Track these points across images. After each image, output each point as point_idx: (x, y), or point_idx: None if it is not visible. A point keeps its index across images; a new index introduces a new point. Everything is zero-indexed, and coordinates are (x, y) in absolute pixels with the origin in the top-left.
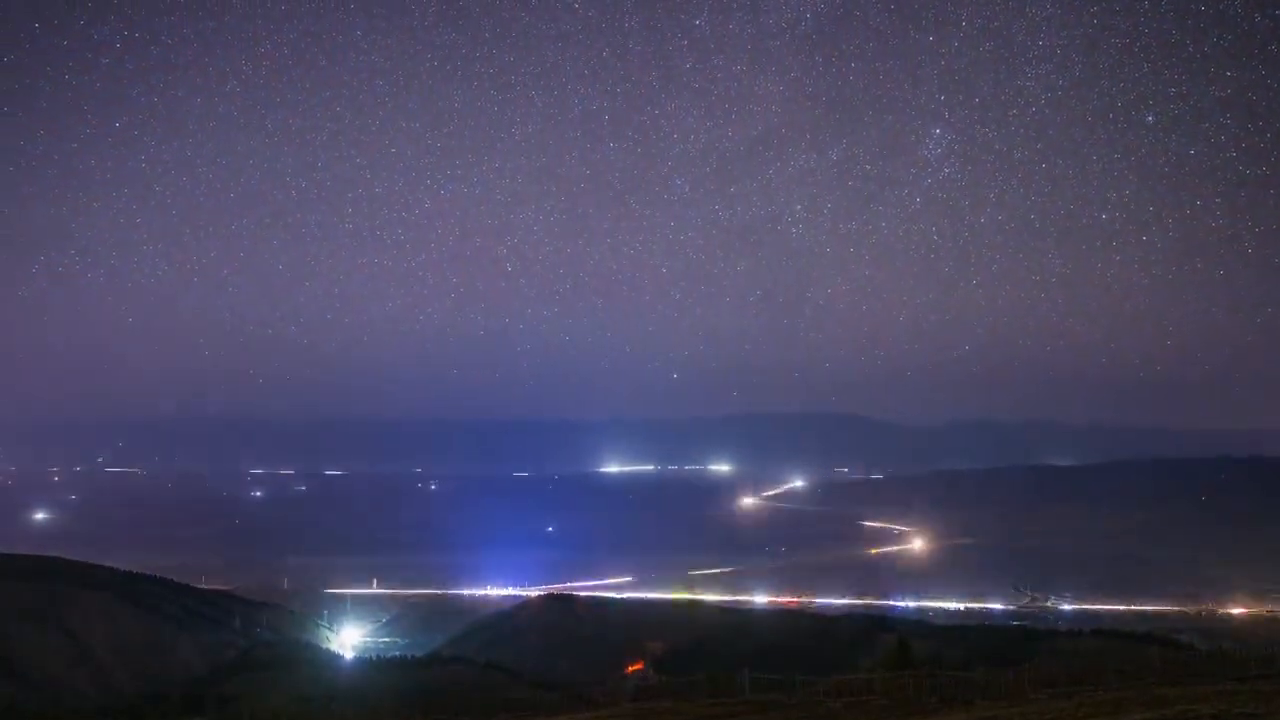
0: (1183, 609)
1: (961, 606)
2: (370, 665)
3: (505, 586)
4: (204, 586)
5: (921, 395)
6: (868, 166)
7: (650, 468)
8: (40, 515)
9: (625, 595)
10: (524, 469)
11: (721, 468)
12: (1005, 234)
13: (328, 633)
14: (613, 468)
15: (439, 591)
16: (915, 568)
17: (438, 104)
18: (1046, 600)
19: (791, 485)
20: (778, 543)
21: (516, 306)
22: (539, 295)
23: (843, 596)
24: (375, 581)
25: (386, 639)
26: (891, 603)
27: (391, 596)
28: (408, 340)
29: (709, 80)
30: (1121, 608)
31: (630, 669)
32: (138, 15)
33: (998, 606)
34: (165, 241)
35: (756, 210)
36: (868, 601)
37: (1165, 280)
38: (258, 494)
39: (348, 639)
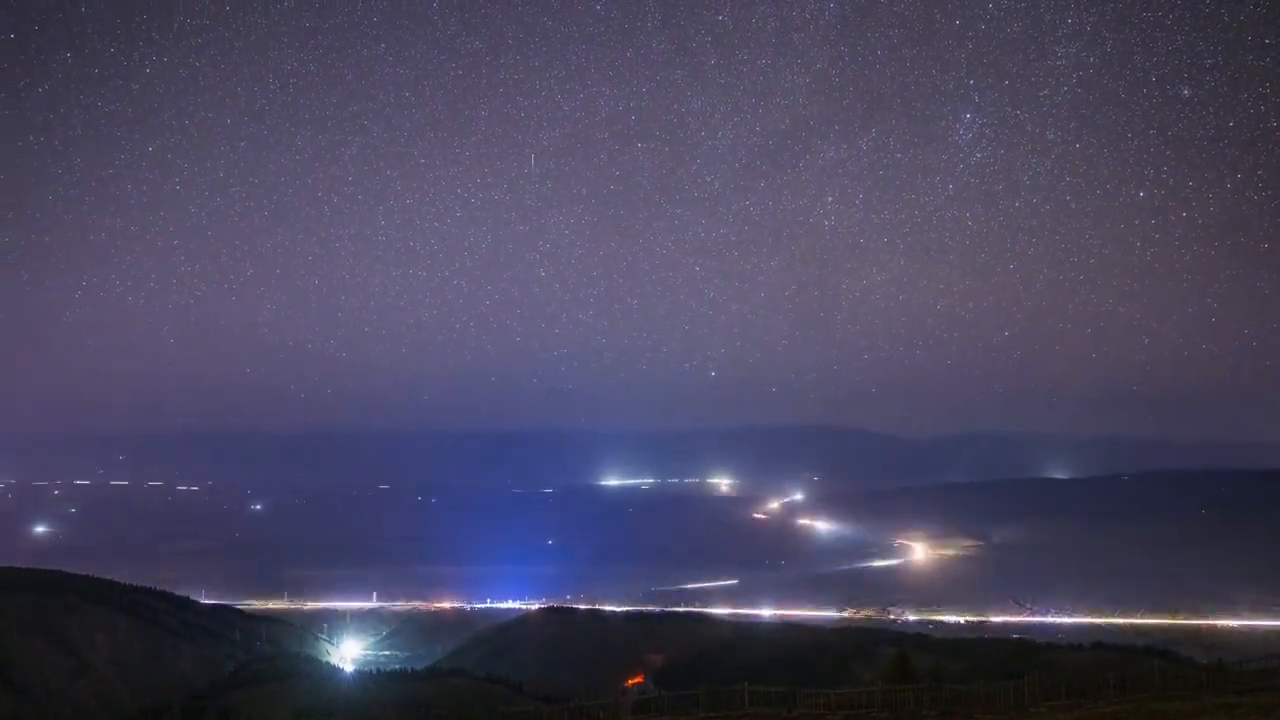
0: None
1: (962, 619)
2: (370, 678)
3: (505, 599)
4: (204, 600)
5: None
6: (898, 155)
7: (649, 481)
8: (40, 528)
9: (624, 609)
10: (523, 483)
11: (720, 481)
12: (1041, 217)
13: (327, 646)
14: (612, 481)
15: (439, 605)
16: (914, 581)
17: (464, 113)
18: (1045, 613)
19: (791, 498)
20: (777, 556)
21: (552, 311)
22: (574, 299)
23: (842, 609)
24: (375, 595)
25: (386, 652)
26: (891, 615)
27: (391, 609)
28: (445, 349)
29: (734, 76)
30: (1121, 621)
31: (630, 682)
32: (165, 40)
33: (997, 619)
34: (202, 261)
35: (788, 204)
36: (867, 614)
37: (1207, 257)
38: (257, 507)
39: (348, 652)
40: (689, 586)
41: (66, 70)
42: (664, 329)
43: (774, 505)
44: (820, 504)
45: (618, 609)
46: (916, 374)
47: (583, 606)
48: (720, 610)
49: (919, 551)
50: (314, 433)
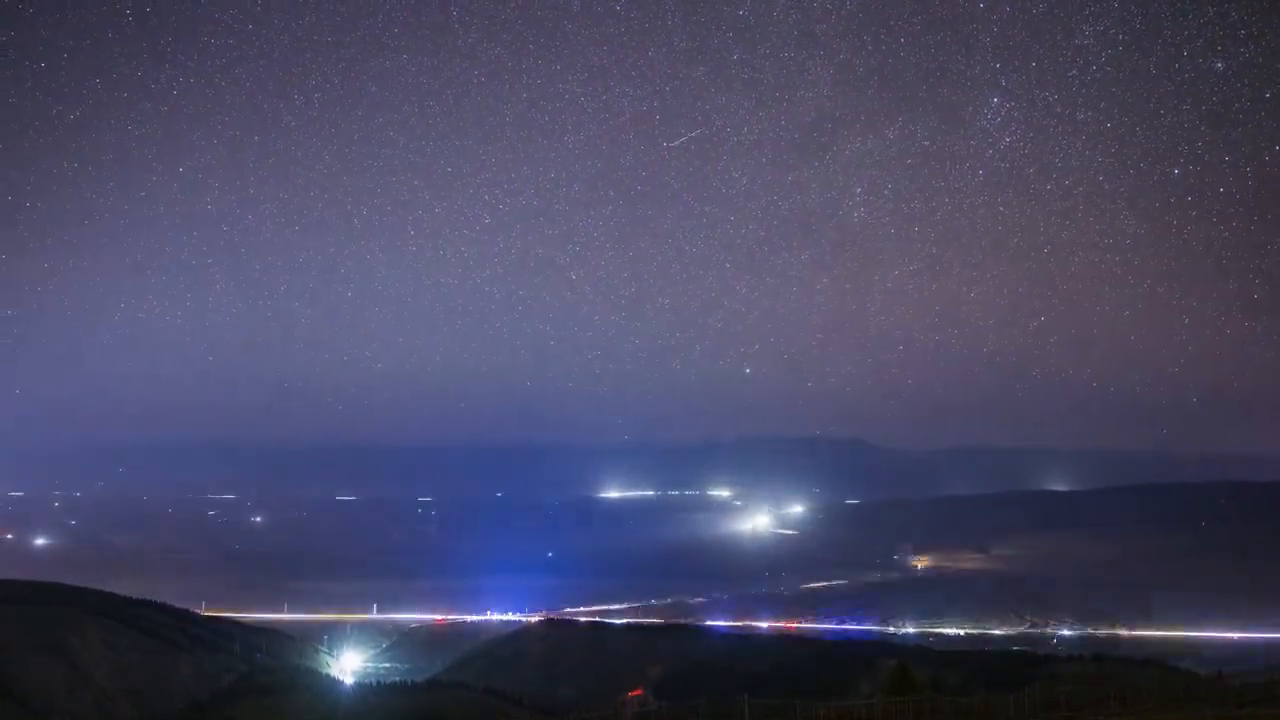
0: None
1: (962, 631)
2: (370, 691)
3: (505, 612)
4: (204, 611)
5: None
6: (926, 143)
7: (650, 493)
8: (40, 540)
9: (624, 620)
10: (523, 495)
11: (721, 493)
12: (1073, 199)
13: (328, 658)
14: (612, 493)
15: (439, 617)
16: (914, 593)
17: (489, 119)
18: (1045, 625)
19: (791, 510)
20: (777, 568)
21: (584, 313)
22: (605, 302)
23: (842, 621)
24: (375, 607)
25: (386, 664)
26: (891, 628)
27: (392, 621)
28: (479, 356)
29: (757, 70)
30: (1122, 633)
31: (630, 694)
32: (190, 62)
33: (998, 631)
34: (237, 279)
35: (816, 197)
36: (867, 626)
37: (1246, 232)
38: (257, 519)
39: (348, 664)
40: (689, 597)
41: (96, 96)
42: (697, 327)
43: (774, 517)
44: (820, 516)
45: (617, 621)
46: (952, 363)
47: (582, 619)
48: (720, 622)
49: (918, 564)
50: (325, 445)
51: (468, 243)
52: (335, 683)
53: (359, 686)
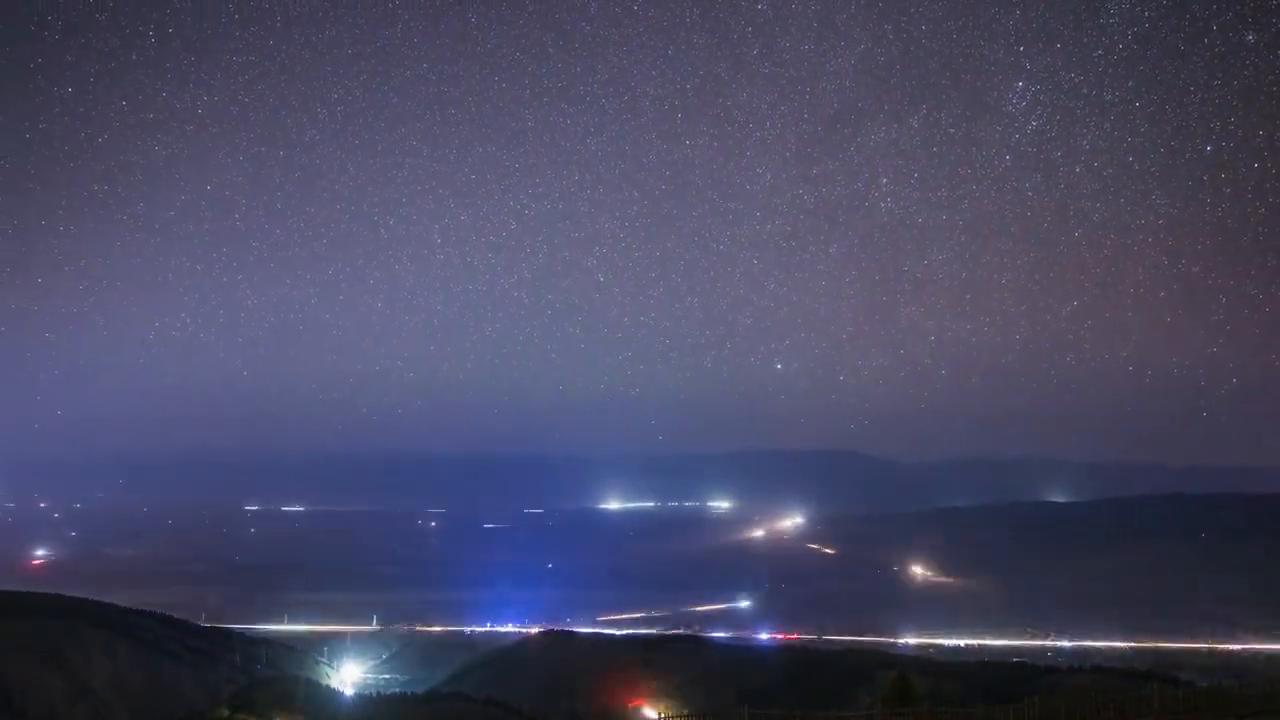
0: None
1: (962, 643)
2: (370, 702)
3: (505, 623)
4: (203, 623)
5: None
6: (951, 130)
7: (650, 504)
8: (41, 552)
9: (625, 631)
10: (522, 507)
11: (721, 504)
12: (1103, 181)
13: (327, 669)
14: (613, 504)
15: (439, 628)
16: (914, 604)
17: (511, 125)
18: (1045, 637)
19: (791, 521)
20: (777, 579)
21: (613, 315)
22: (634, 303)
23: (843, 632)
24: (375, 618)
25: (386, 675)
26: (892, 639)
27: (392, 633)
28: (511, 362)
29: (778, 64)
30: (1122, 644)
31: (630, 704)
32: (214, 80)
33: (997, 643)
34: (267, 294)
35: (842, 189)
36: (868, 637)
37: None
38: (254, 530)
39: (348, 675)
40: (689, 609)
41: (123, 118)
42: (726, 325)
43: (773, 529)
44: (820, 527)
45: (618, 632)
46: (984, 354)
47: (583, 630)
48: (720, 633)
49: (918, 575)
50: (358, 455)
51: (494, 249)
52: (335, 694)
53: (359, 698)
